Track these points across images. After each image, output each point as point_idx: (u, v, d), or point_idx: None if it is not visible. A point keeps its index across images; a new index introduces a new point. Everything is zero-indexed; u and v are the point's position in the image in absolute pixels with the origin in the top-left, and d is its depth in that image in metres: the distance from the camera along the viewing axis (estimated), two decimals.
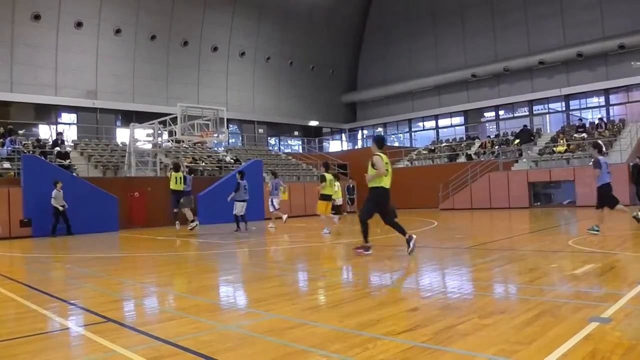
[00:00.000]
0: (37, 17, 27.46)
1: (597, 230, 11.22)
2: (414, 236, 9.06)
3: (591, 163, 12.13)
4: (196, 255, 11.95)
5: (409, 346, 3.84)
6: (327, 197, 15.52)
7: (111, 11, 30.23)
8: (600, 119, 30.28)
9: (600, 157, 11.63)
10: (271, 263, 10.01)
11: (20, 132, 25.21)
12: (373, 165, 9.11)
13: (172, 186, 17.58)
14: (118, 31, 30.79)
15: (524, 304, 5.17)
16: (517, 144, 30.22)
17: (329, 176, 15.41)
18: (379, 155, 9.17)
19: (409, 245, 8.93)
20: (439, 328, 4.29)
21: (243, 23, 36.57)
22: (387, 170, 9.12)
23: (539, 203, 26.66)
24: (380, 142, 9.66)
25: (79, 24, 29.09)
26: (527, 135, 30.31)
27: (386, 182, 9.15)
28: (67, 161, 22.78)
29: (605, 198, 11.48)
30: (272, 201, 19.36)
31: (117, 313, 5.66)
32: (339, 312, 5.11)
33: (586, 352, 3.51)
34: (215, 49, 35.41)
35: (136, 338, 4.43)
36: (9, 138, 22.94)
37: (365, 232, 9.39)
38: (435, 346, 3.80)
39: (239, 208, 17.47)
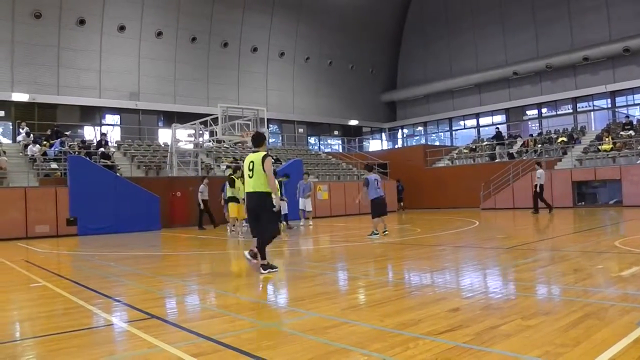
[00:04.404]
0: (82, 22, 28.17)
1: (377, 234, 13.38)
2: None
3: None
4: (236, 254, 12.07)
5: (451, 346, 3.81)
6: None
7: (152, 15, 30.80)
8: None
9: (370, 176, 13.60)
10: (311, 262, 10.04)
11: (67, 133, 25.93)
12: None
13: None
14: (159, 34, 31.33)
15: (568, 305, 5.05)
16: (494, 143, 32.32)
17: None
18: None
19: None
20: (481, 329, 4.24)
21: (282, 24, 36.78)
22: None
23: (583, 203, 25.98)
24: None
25: (121, 28, 29.72)
26: (500, 138, 33.21)
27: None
28: (111, 161, 23.33)
29: (376, 208, 13.46)
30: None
31: (160, 310, 5.78)
32: (379, 312, 5.10)
33: (635, 357, 3.42)
34: (254, 49, 35.68)
35: (179, 334, 4.52)
36: (58, 140, 23.60)
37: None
38: (477, 347, 3.76)
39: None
